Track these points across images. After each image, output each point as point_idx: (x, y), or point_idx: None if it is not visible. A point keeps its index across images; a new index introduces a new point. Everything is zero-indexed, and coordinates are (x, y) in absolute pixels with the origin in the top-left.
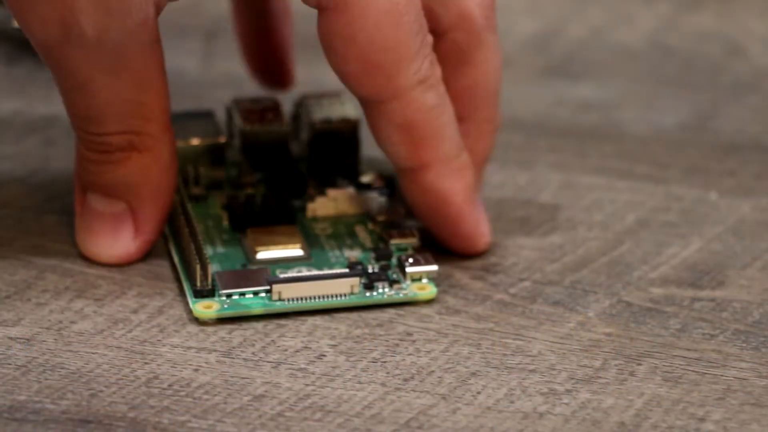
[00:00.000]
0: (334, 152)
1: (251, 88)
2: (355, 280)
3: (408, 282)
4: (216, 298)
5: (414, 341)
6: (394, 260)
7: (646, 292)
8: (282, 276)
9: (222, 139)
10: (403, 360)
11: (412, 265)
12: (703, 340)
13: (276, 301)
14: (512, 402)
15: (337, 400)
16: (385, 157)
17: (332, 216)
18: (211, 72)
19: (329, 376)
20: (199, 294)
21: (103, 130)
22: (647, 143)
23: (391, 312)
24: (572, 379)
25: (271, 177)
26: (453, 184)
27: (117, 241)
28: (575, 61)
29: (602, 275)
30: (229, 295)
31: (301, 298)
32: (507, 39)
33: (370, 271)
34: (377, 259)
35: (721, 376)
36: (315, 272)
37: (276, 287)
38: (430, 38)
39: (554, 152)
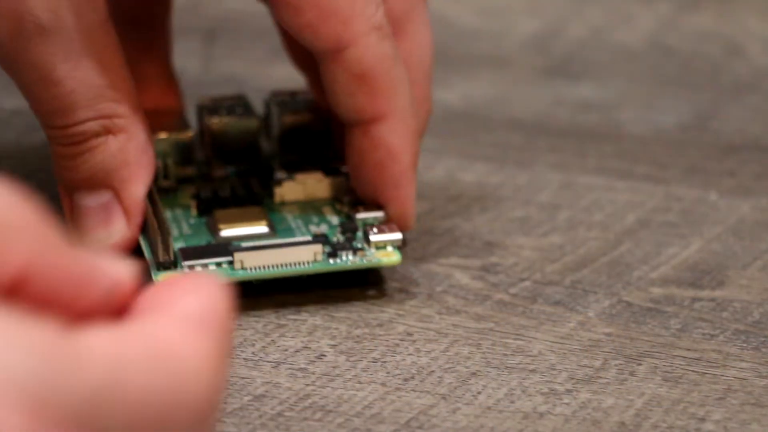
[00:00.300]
0: (305, 147)
1: (252, 88)
2: (318, 247)
3: (373, 250)
4: (179, 270)
5: (414, 341)
6: (359, 233)
7: (647, 292)
8: (244, 245)
9: (190, 134)
10: (404, 360)
11: (376, 234)
12: (703, 340)
13: (239, 270)
14: (512, 402)
15: (337, 400)
16: None
17: (301, 200)
18: (211, 72)
19: (329, 375)
20: (162, 266)
21: (74, 120)
22: (647, 143)
23: (391, 312)
24: (572, 379)
25: (241, 171)
26: (404, 143)
27: (111, 230)
28: (575, 61)
29: (602, 275)
30: (191, 267)
31: (264, 267)
32: (507, 39)
33: (334, 241)
34: (343, 232)
35: (722, 376)
36: (277, 241)
37: (238, 255)
38: None
39: (554, 152)
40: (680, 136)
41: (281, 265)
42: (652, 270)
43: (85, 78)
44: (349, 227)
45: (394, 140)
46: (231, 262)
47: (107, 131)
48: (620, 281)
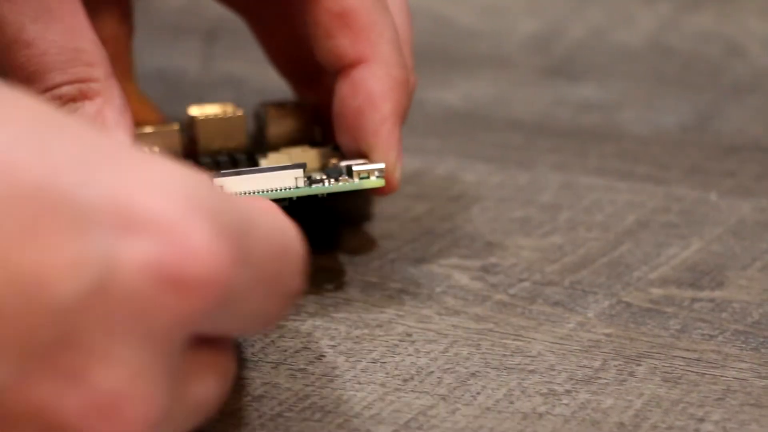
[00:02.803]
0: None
1: (251, 88)
2: (299, 172)
3: (357, 180)
4: None
5: (413, 342)
6: (342, 167)
7: (646, 293)
8: (225, 171)
9: (175, 127)
10: (403, 360)
11: (360, 164)
12: (703, 340)
13: None
14: (512, 402)
15: (336, 401)
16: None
17: None
18: (211, 72)
19: (329, 376)
20: None
21: (48, 84)
22: (647, 144)
23: (390, 312)
24: (572, 379)
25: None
26: (386, 90)
27: None
28: (575, 61)
29: (602, 276)
30: None
31: (246, 193)
32: (507, 39)
33: (317, 178)
34: (328, 176)
35: (721, 376)
36: (258, 167)
37: (219, 181)
38: None
39: (554, 153)
40: (680, 136)
41: (262, 191)
42: (652, 270)
43: (57, 40)
44: (333, 171)
45: (375, 85)
46: None
47: (83, 96)
48: (620, 282)
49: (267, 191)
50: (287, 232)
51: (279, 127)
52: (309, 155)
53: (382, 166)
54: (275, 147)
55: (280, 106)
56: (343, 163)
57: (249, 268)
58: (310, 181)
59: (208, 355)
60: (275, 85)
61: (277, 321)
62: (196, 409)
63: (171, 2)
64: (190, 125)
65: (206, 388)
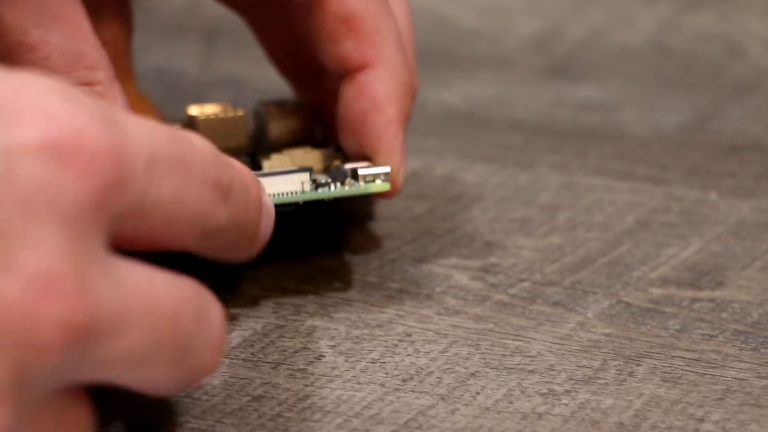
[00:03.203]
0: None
1: (251, 88)
2: (305, 176)
3: (362, 183)
4: None
5: (413, 342)
6: (347, 170)
7: (646, 293)
8: None
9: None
10: (402, 360)
11: (365, 168)
12: (703, 340)
13: None
14: (511, 402)
15: (336, 401)
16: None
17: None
18: (211, 72)
19: (328, 376)
20: None
21: None
22: (647, 144)
23: (390, 312)
24: (571, 379)
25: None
26: (390, 93)
27: None
28: (575, 61)
29: (602, 276)
30: None
31: None
32: (508, 39)
33: (323, 181)
34: (333, 180)
35: (721, 376)
36: (264, 171)
37: None
38: None
39: (554, 153)
40: (680, 136)
41: (269, 195)
42: (652, 270)
43: (60, 44)
44: (337, 173)
45: (379, 89)
46: None
47: None
48: (620, 282)
49: (273, 195)
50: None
51: (279, 126)
52: (311, 156)
53: (387, 169)
54: (276, 147)
55: (280, 105)
56: (348, 166)
57: (150, 166)
58: (316, 184)
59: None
60: (275, 85)
61: (207, 204)
62: None
63: (171, 2)
64: (190, 125)
65: None
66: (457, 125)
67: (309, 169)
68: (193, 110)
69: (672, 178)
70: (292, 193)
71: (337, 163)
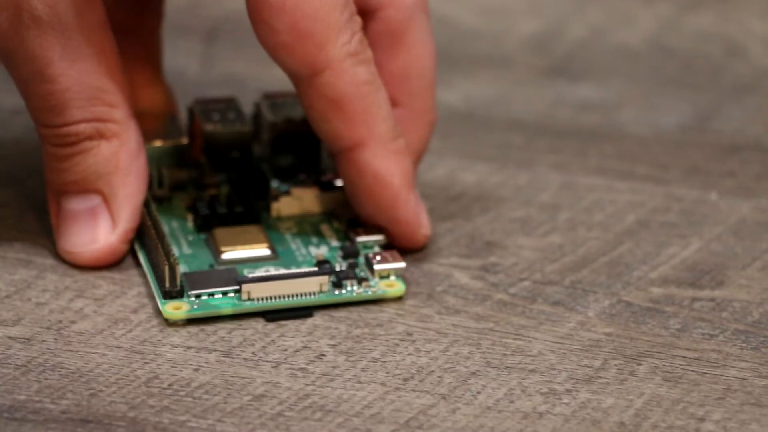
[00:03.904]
0: (295, 152)
1: (251, 88)
2: (324, 279)
3: (376, 279)
4: (185, 299)
5: (414, 341)
6: (361, 258)
7: (646, 292)
8: (251, 276)
9: (184, 141)
10: (403, 360)
11: (380, 262)
12: (703, 340)
13: (245, 300)
14: (512, 402)
15: (336, 400)
16: None
17: (297, 215)
18: (211, 72)
19: (329, 375)
20: (168, 295)
21: (67, 119)
22: (647, 144)
23: (390, 312)
24: (572, 379)
25: (234, 178)
26: (390, 165)
27: (96, 235)
28: (575, 61)
29: (602, 275)
30: (198, 296)
31: (271, 297)
32: (507, 39)
33: (338, 269)
34: (344, 257)
35: (721, 376)
36: (284, 271)
37: (245, 287)
38: (358, 19)
39: (554, 153)
40: (681, 136)
41: (288, 296)
42: (652, 270)
43: (81, 78)
44: (350, 251)
45: (378, 165)
46: (238, 292)
47: (100, 135)
48: (620, 281)
49: (292, 296)
50: None
51: (278, 117)
52: (318, 200)
53: (402, 265)
54: (275, 142)
55: (280, 97)
56: (360, 239)
57: None
58: (335, 283)
59: None
60: (275, 85)
61: None
62: None
63: (171, 2)
64: (195, 133)
65: None
66: (457, 125)
67: (328, 269)
68: (205, 125)
69: (672, 178)
70: (311, 294)
71: (343, 226)
